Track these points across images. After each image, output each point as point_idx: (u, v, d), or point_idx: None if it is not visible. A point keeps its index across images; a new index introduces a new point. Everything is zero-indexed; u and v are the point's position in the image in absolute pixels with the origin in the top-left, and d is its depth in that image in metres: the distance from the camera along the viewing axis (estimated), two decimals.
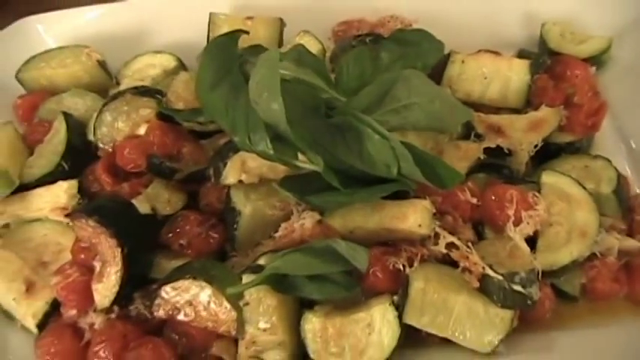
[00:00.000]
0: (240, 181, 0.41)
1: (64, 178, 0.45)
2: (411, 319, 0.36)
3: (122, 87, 0.48)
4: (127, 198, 0.42)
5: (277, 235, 0.39)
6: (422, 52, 0.44)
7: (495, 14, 0.50)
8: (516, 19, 0.50)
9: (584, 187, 0.39)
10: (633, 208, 0.43)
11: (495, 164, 0.44)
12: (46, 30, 0.51)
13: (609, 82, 0.49)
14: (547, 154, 0.45)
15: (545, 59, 0.50)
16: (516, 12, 0.51)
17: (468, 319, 0.36)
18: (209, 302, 0.36)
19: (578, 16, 0.50)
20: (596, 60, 0.52)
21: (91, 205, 0.38)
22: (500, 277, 0.36)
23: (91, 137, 0.45)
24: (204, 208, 0.42)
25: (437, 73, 0.46)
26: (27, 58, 0.51)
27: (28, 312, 0.39)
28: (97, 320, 0.38)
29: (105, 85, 0.51)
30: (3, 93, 0.47)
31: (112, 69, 0.58)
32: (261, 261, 0.37)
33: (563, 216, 0.39)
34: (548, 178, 0.40)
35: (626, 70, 0.49)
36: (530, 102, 0.49)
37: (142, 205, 0.40)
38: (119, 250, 0.37)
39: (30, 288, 0.39)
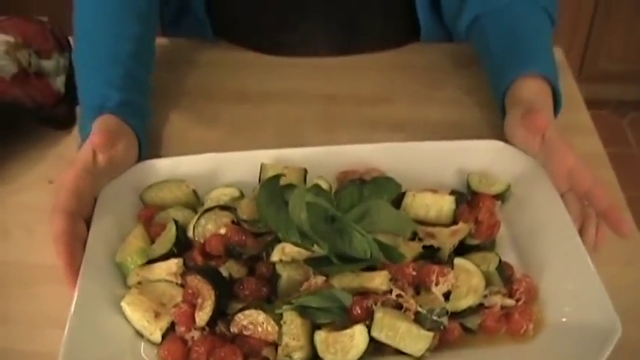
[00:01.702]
0: (281, 260, 0.72)
1: (174, 257, 0.76)
2: (374, 333, 0.64)
3: (206, 206, 0.80)
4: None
5: (302, 288, 0.69)
6: (388, 190, 0.77)
7: (439, 169, 0.81)
8: (452, 172, 0.82)
9: (478, 266, 0.69)
10: (512, 281, 0.71)
11: (429, 255, 0.74)
12: (159, 168, 0.84)
13: (509, 210, 0.81)
14: (462, 250, 0.76)
15: (467, 196, 0.81)
16: (452, 167, 0.82)
17: (407, 335, 0.63)
18: (263, 322, 0.65)
19: (491, 169, 0.82)
20: (501, 196, 0.83)
21: (197, 268, 0.68)
22: (425, 312, 0.65)
23: (190, 234, 0.76)
24: (259, 275, 0.72)
25: (396, 202, 0.78)
26: (147, 185, 0.84)
27: (157, 329, 0.67)
28: (196, 334, 0.66)
29: (195, 204, 0.82)
30: (133, 207, 0.79)
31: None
32: (293, 300, 0.67)
33: (464, 281, 0.68)
34: (457, 261, 0.69)
35: (519, 203, 0.80)
36: (454, 221, 0.80)
37: (223, 272, 0.70)
38: (213, 292, 0.66)
39: (157, 315, 0.68)
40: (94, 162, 0.74)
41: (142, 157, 0.81)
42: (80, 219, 0.71)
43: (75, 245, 0.68)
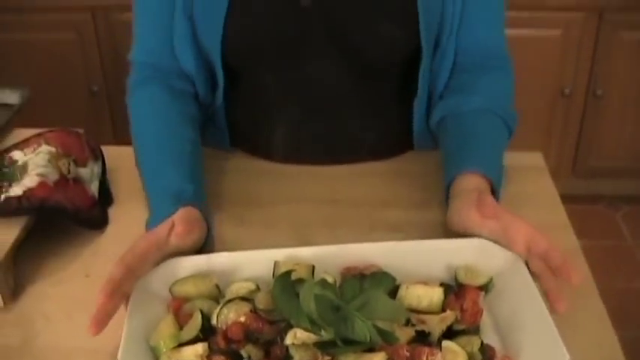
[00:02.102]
0: (293, 343, 0.84)
1: (201, 342, 0.87)
2: None
3: (227, 297, 0.92)
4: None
5: None
6: (385, 283, 0.89)
7: (429, 264, 0.92)
8: (441, 266, 0.93)
9: (464, 348, 0.80)
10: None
11: (421, 338, 0.85)
12: (186, 265, 0.96)
13: (491, 299, 0.92)
14: (450, 334, 0.83)
15: (454, 288, 0.94)
16: (442, 263, 0.93)
17: None
18: None
19: (476, 263, 0.94)
20: (485, 287, 0.95)
21: (220, 351, 0.80)
22: None
23: (214, 322, 0.87)
24: (275, 357, 0.82)
25: (392, 293, 0.89)
26: (175, 279, 0.96)
27: None
28: None
29: (217, 296, 0.92)
30: (164, 299, 0.91)
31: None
32: None
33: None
34: (445, 343, 0.79)
35: (500, 293, 0.92)
36: (443, 309, 0.91)
37: (243, 354, 0.82)
38: None
39: None
40: (167, 241, 0.84)
41: (206, 245, 0.94)
42: (133, 279, 0.83)
43: (118, 294, 0.80)
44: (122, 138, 2.62)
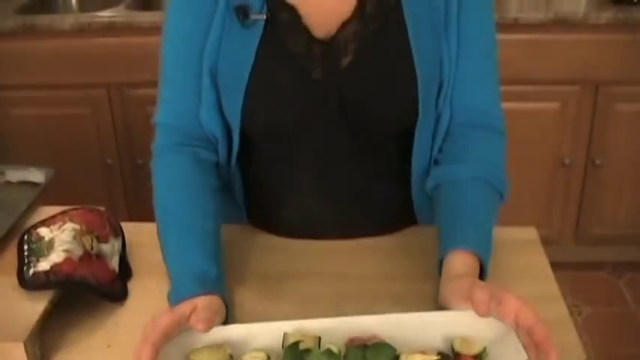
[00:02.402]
0: None
1: None
2: None
3: None
4: None
5: None
6: (386, 353, 0.94)
7: (428, 335, 0.97)
8: (439, 337, 0.99)
9: None
10: None
11: None
12: (202, 335, 1.02)
13: None
14: None
15: (451, 357, 0.99)
16: (439, 333, 0.99)
17: None
18: None
19: (471, 334, 0.99)
20: (479, 356, 1.01)
21: None
22: None
23: None
24: None
25: None
26: (192, 348, 1.03)
27: None
28: None
29: None
30: None
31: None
32: None
33: None
34: None
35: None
36: None
37: None
38: None
39: None
40: (188, 320, 0.88)
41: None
42: (157, 355, 0.88)
43: None
44: (134, 207, 2.72)
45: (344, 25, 1.03)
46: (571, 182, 2.75)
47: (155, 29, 2.40)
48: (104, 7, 2.49)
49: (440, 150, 1.13)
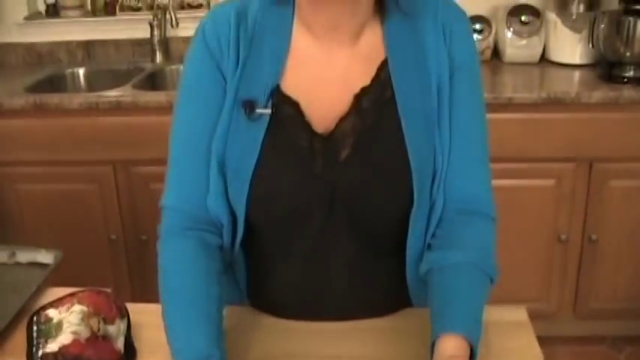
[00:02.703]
0: None
1: None
2: None
3: None
4: None
5: None
6: None
7: None
8: None
9: None
10: None
11: None
12: None
13: None
14: None
15: None
16: None
17: None
18: None
19: None
20: None
21: None
22: None
23: None
24: None
25: None
26: None
27: None
28: None
29: None
30: None
31: None
32: None
33: None
34: None
35: None
36: None
37: None
38: None
39: None
40: None
41: None
42: None
43: None
44: (137, 282, 2.77)
45: (342, 119, 1.10)
46: (568, 257, 2.80)
47: (161, 109, 2.53)
48: (112, 87, 2.59)
49: (433, 235, 1.17)
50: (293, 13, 1.12)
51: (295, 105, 1.10)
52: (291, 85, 1.11)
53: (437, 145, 1.16)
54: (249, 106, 1.09)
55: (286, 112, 1.10)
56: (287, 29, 1.11)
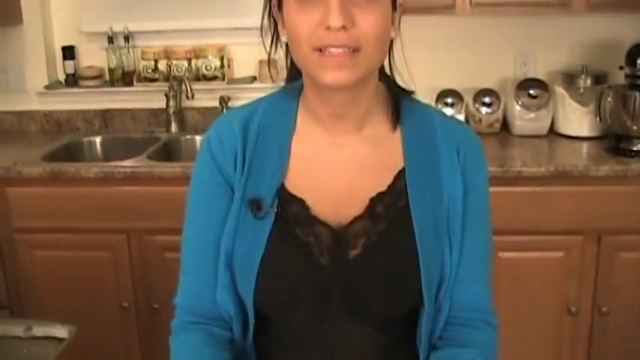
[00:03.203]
0: None
1: None
2: None
3: None
4: None
5: None
6: None
7: None
8: None
9: None
10: None
11: None
12: None
13: None
14: None
15: None
16: None
17: None
18: None
19: None
20: None
21: None
22: None
23: None
24: None
25: None
26: None
27: None
28: None
29: None
30: None
31: None
32: None
33: None
34: None
35: None
36: None
37: None
38: None
39: None
40: None
41: None
42: None
43: None
44: (147, 349, 2.80)
45: (355, 220, 1.14)
46: (579, 330, 2.81)
47: (175, 180, 2.60)
48: (127, 156, 2.67)
49: (440, 337, 1.21)
50: (297, 107, 1.18)
51: (301, 202, 1.15)
52: (296, 183, 1.16)
53: (445, 257, 1.18)
54: (256, 206, 1.14)
55: (292, 209, 1.15)
56: (291, 123, 1.17)
